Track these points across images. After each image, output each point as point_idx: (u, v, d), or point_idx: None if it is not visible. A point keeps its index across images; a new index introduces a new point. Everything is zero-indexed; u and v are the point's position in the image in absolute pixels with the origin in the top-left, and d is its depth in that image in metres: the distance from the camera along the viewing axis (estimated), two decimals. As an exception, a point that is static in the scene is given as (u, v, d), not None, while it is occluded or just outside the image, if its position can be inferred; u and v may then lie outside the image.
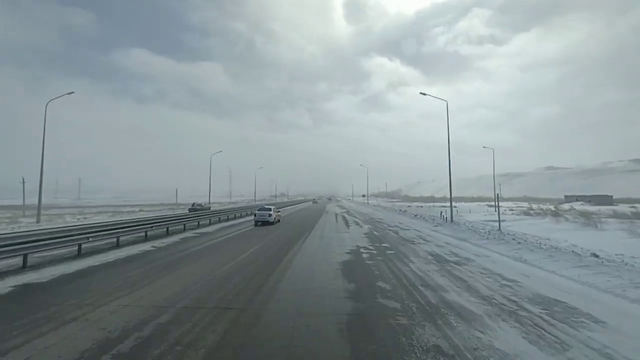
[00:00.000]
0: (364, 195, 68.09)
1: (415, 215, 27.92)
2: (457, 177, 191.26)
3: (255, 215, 22.29)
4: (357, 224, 22.84)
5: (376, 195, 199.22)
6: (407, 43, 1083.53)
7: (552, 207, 34.92)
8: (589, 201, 52.34)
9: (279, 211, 26.49)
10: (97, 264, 9.09)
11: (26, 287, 6.75)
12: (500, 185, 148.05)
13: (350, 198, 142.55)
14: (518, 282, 7.21)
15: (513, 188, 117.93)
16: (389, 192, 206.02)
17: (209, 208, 34.33)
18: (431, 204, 72.20)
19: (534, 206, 40.51)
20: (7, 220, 22.41)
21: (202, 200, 47.88)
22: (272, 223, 21.70)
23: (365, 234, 16.88)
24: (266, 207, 23.47)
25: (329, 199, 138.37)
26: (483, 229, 17.63)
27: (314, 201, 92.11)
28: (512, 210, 38.36)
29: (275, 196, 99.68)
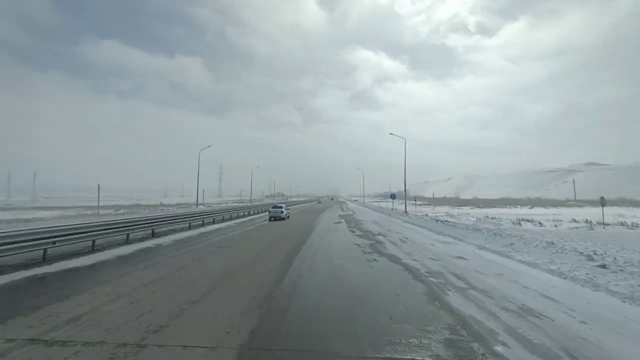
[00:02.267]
0: (393, 197, 39.17)
1: None
2: (483, 174, 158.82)
3: (269, 212, 26.39)
4: None
5: (382, 197, 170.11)
6: (386, 33, 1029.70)
7: None
8: None
9: (289, 209, 30.27)
10: None
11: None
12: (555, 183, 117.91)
13: (358, 199, 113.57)
14: None
15: (575, 187, 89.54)
16: (388, 193, 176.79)
17: None
18: (509, 209, 42.85)
19: None
20: None
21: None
22: (284, 219, 25.08)
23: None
24: (278, 205, 28.53)
25: (332, 199, 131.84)
26: None
27: (319, 201, 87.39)
28: None
29: (250, 199, 73.14)
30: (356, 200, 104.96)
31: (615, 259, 8.23)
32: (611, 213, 29.54)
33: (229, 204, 51.99)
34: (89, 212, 33.34)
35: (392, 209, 40.09)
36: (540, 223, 21.53)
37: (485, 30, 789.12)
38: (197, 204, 41.97)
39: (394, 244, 12.45)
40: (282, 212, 25.48)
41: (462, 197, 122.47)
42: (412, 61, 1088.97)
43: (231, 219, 25.37)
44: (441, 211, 40.00)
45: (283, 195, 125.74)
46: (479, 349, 3.64)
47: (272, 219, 24.77)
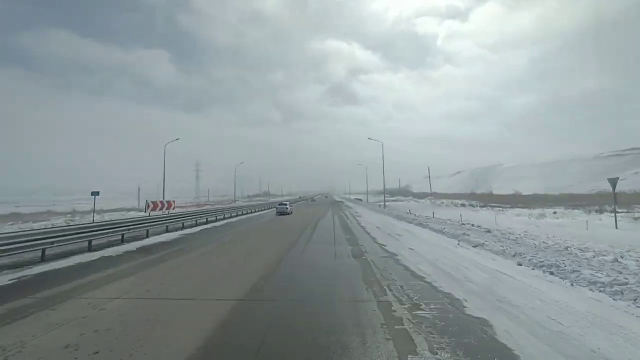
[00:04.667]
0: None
1: None
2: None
3: (277, 208, 31.42)
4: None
5: (391, 194, 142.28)
6: (351, 19, 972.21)
7: None
8: None
9: (292, 205, 35.90)
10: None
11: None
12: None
13: (362, 199, 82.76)
14: None
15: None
16: (396, 190, 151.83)
17: None
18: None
19: None
20: None
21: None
22: (289, 214, 29.66)
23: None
24: (284, 202, 33.61)
25: (326, 197, 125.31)
26: None
27: (312, 199, 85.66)
28: None
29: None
30: (360, 201, 73.91)
31: None
32: None
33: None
34: None
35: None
36: None
37: (456, 14, 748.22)
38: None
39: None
40: (287, 208, 30.10)
41: (501, 192, 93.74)
42: (385, 51, 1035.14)
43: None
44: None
45: (252, 196, 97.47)
46: None
47: (279, 214, 29.55)
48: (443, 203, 56.60)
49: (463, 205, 48.36)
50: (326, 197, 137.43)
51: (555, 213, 29.84)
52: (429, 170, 76.61)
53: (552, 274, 7.34)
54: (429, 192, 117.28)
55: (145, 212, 28.16)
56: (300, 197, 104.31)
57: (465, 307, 5.42)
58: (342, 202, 68.96)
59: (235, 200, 59.07)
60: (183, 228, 19.09)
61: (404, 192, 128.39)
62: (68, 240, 10.57)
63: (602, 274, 6.90)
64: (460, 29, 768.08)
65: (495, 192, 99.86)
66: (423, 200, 67.77)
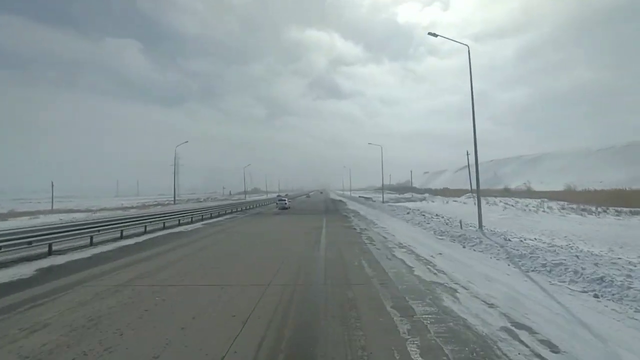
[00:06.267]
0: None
1: None
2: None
3: (277, 204, 34.92)
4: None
5: (398, 191, 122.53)
6: (322, 5, 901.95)
7: None
8: None
9: (290, 200, 40.23)
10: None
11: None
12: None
13: (372, 198, 60.95)
14: None
15: None
16: (394, 186, 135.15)
17: None
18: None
19: None
20: None
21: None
22: (287, 208, 32.80)
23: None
24: (282, 198, 37.76)
25: (321, 192, 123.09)
26: None
27: (307, 195, 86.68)
28: None
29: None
30: (371, 201, 52.17)
31: None
32: None
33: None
34: None
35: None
36: None
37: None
38: None
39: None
40: (286, 203, 33.49)
41: (537, 188, 73.65)
42: (366, 42, 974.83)
43: None
44: None
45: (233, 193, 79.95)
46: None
47: (280, 208, 32.17)
48: (508, 204, 35.56)
49: (564, 208, 27.17)
50: (321, 192, 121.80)
51: None
52: (467, 157, 54.76)
53: None
54: (432, 188, 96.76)
55: None
56: (279, 196, 73.44)
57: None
58: (344, 203, 47.48)
59: (176, 201, 37.32)
60: None
61: (409, 189, 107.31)
62: None
63: None
64: (442, 18, 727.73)
65: (536, 188, 78.03)
66: (461, 199, 46.76)
